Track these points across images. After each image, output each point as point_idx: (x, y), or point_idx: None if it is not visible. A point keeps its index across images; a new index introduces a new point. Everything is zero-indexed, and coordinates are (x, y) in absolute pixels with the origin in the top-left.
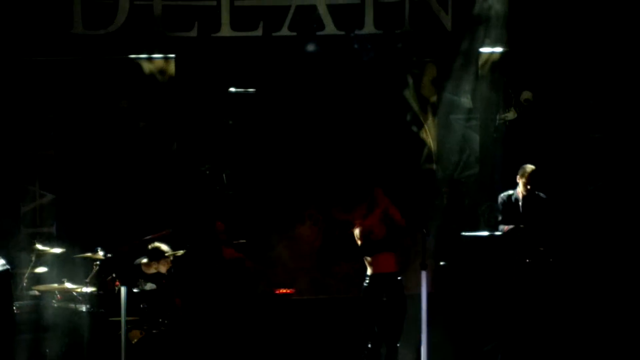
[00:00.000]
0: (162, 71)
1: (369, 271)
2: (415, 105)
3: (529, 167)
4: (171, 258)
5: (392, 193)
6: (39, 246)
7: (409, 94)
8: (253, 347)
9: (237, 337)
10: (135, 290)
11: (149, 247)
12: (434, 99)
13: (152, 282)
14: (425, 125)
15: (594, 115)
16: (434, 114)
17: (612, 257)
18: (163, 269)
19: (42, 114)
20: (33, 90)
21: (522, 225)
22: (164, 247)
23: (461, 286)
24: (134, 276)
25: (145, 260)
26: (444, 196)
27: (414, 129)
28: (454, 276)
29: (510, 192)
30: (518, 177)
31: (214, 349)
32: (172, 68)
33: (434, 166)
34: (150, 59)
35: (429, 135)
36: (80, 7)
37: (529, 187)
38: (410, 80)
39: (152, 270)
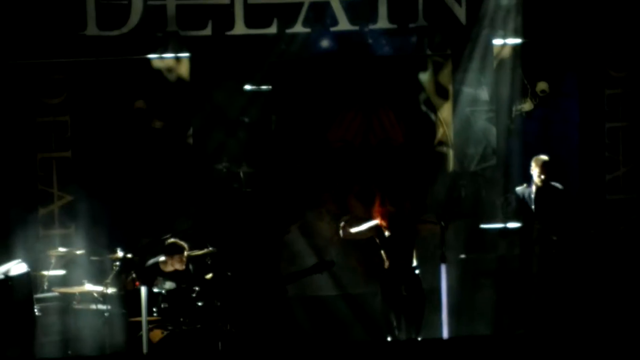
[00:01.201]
0: (176, 70)
1: (386, 264)
2: (431, 89)
3: (542, 158)
4: (186, 255)
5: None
6: (59, 248)
7: (425, 78)
8: (271, 344)
9: (257, 334)
10: (155, 290)
11: (166, 242)
12: (450, 87)
13: (171, 280)
14: (440, 111)
15: (610, 105)
16: (452, 103)
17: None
18: (178, 265)
19: (57, 115)
20: (48, 92)
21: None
22: (180, 242)
23: (484, 278)
24: (152, 275)
25: (162, 259)
26: (462, 189)
27: (429, 113)
28: (476, 268)
29: (525, 185)
30: (531, 168)
31: (234, 346)
32: (187, 67)
33: (450, 151)
34: (164, 59)
35: (443, 121)
36: (93, 8)
37: (542, 177)
38: (430, 66)
39: (170, 268)
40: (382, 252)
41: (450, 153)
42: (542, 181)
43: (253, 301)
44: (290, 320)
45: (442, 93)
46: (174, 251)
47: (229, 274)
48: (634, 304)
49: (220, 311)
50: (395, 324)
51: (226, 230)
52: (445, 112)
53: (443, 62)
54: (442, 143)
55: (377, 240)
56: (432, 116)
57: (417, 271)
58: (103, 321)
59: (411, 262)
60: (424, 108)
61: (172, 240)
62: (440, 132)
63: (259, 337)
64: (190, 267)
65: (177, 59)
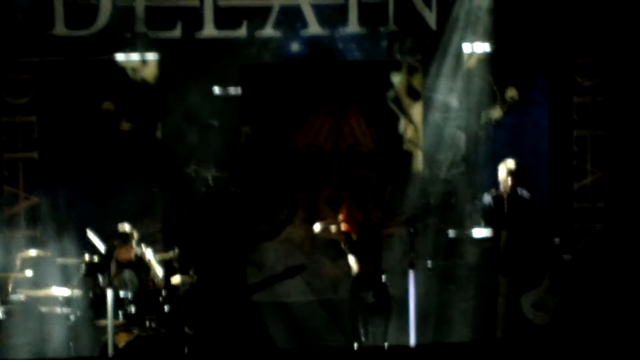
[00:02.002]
0: (145, 72)
1: (353, 271)
2: (402, 90)
3: (509, 163)
4: (133, 244)
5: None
6: (25, 250)
7: (397, 79)
8: (240, 350)
9: (226, 339)
10: (121, 293)
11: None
12: (421, 90)
13: (128, 268)
14: (410, 111)
15: (579, 112)
16: (422, 106)
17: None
18: (125, 255)
19: (24, 115)
20: (15, 91)
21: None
22: (125, 227)
23: (452, 284)
24: (108, 264)
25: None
26: (431, 195)
27: (398, 112)
28: (445, 274)
29: (493, 191)
30: (498, 174)
31: (204, 351)
32: (155, 69)
33: (419, 152)
34: (133, 60)
35: (413, 121)
36: (62, 7)
37: (510, 183)
38: (404, 68)
39: (123, 256)
40: (350, 258)
41: (420, 154)
42: (510, 187)
43: (217, 305)
44: (259, 325)
45: (413, 94)
46: (122, 237)
47: (195, 276)
48: (604, 309)
49: (186, 315)
50: (362, 330)
51: (194, 233)
52: (415, 113)
53: (416, 66)
54: (411, 142)
55: (345, 246)
56: (402, 116)
57: (384, 277)
58: (69, 324)
59: (379, 268)
60: (393, 107)
61: (118, 227)
62: (409, 132)
63: (225, 342)
64: (148, 259)
65: (146, 60)
